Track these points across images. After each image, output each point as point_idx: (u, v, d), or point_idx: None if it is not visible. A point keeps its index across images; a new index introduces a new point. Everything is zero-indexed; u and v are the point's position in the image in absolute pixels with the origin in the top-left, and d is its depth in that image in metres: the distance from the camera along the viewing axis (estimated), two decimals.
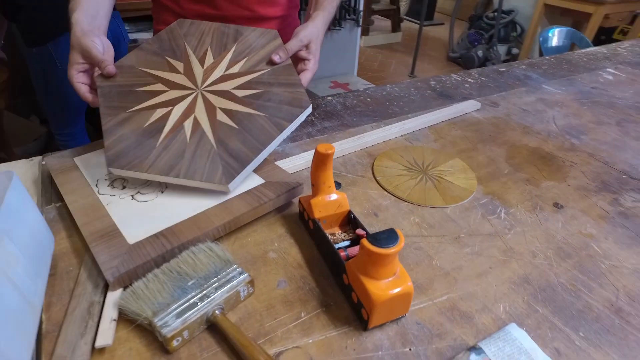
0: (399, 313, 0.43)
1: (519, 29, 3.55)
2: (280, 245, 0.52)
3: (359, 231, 0.49)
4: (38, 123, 2.17)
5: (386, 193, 0.62)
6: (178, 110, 0.60)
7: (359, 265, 0.41)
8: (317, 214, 0.50)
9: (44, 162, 0.68)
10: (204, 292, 0.42)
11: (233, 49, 0.66)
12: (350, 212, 0.52)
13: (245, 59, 0.65)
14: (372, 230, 0.54)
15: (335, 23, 2.25)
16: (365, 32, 3.96)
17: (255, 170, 0.59)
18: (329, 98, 0.93)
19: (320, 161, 0.48)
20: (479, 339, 0.41)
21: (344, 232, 0.52)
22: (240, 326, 0.41)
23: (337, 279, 0.47)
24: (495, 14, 3.36)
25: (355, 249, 0.47)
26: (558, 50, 1.77)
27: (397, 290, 0.39)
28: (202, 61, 0.65)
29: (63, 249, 0.51)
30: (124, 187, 0.57)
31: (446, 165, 0.68)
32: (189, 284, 0.43)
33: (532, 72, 1.18)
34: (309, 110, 0.61)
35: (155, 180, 0.57)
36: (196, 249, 0.46)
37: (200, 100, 0.60)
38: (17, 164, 0.69)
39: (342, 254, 0.46)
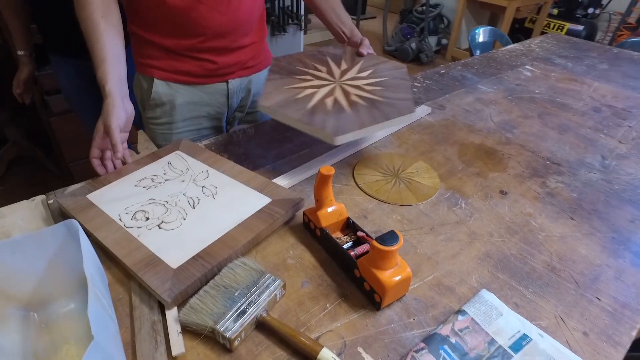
0: (402, 293, 0.55)
1: (445, 21, 3.85)
2: (295, 253, 0.63)
3: (360, 233, 0.61)
4: None
5: (369, 197, 0.74)
6: (321, 93, 0.81)
7: (370, 260, 0.53)
8: (324, 223, 0.61)
9: (50, 201, 0.73)
10: (250, 299, 0.52)
11: (362, 62, 0.94)
12: (348, 218, 0.64)
13: (371, 70, 0.91)
14: (366, 229, 0.67)
15: (280, 29, 2.34)
16: (304, 31, 4.07)
17: (261, 191, 0.69)
18: None
19: (323, 181, 0.60)
20: (462, 304, 0.55)
21: (346, 235, 0.64)
22: (282, 321, 0.52)
23: (348, 274, 0.59)
24: (424, 7, 3.62)
25: (361, 248, 0.59)
26: (484, 45, 2.00)
27: (400, 277, 0.52)
28: (338, 65, 0.93)
29: (110, 280, 0.58)
30: (147, 219, 0.65)
31: (413, 168, 0.82)
32: (236, 294, 0.52)
33: (467, 72, 1.36)
34: (415, 113, 0.82)
35: (303, 129, 0.74)
36: (233, 265, 0.56)
37: (338, 88, 0.83)
38: (20, 206, 0.73)
39: (352, 253, 0.58)
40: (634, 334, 0.54)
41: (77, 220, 0.63)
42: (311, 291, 0.57)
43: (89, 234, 0.62)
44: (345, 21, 1.07)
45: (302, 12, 2.41)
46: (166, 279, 0.54)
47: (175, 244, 0.60)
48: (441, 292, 0.57)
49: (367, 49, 1.02)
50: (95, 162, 0.74)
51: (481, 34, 1.96)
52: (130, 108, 0.75)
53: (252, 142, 0.91)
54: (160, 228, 0.63)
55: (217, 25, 0.86)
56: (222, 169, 0.76)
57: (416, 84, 1.24)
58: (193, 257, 0.57)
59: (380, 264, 0.52)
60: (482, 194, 0.77)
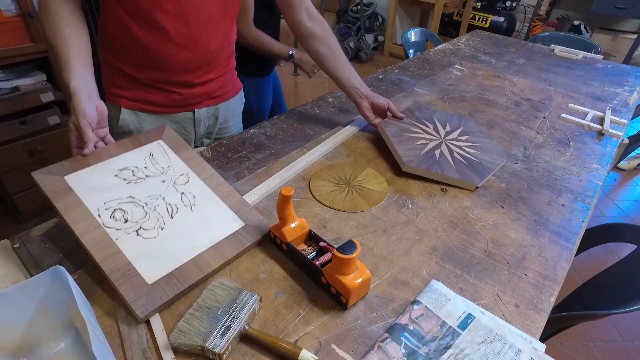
0: (364, 293, 0.63)
1: (380, 18, 4.01)
2: (266, 267, 0.69)
3: (322, 243, 0.68)
4: None
5: (326, 208, 0.81)
6: (430, 145, 0.96)
7: (334, 268, 0.60)
8: (289, 238, 0.68)
9: (16, 245, 0.73)
10: (232, 315, 0.57)
11: (461, 128, 1.05)
12: (310, 230, 0.70)
13: (469, 136, 1.02)
14: (326, 238, 0.74)
15: None
16: None
17: (237, 212, 0.74)
18: (252, 130, 1.09)
19: (285, 201, 0.66)
20: (416, 295, 0.64)
21: (310, 246, 0.70)
22: (263, 331, 0.58)
23: (315, 282, 0.66)
24: (359, 7, 3.75)
25: (324, 257, 0.66)
26: (417, 44, 2.14)
27: (361, 279, 0.60)
28: (443, 127, 1.04)
29: (96, 314, 0.61)
30: (126, 221, 0.67)
31: (362, 175, 0.90)
32: (219, 312, 0.57)
33: (404, 76, 1.47)
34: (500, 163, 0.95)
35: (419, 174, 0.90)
36: (212, 286, 0.61)
37: (444, 145, 0.96)
38: None
39: (317, 262, 0.65)
40: (552, 300, 0.65)
41: (57, 207, 0.65)
42: (285, 300, 0.63)
43: (65, 225, 0.64)
44: (360, 81, 1.05)
45: None
46: (141, 294, 0.58)
47: (151, 256, 0.64)
48: (398, 286, 0.66)
49: (400, 113, 1.05)
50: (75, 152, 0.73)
51: (413, 35, 2.10)
52: (101, 105, 0.73)
53: (210, 164, 0.95)
54: (138, 235, 0.66)
55: (184, 63, 0.90)
56: (202, 176, 0.78)
57: None
58: (167, 275, 0.62)
59: (343, 270, 0.59)
60: (425, 193, 0.87)
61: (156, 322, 0.59)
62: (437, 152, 0.94)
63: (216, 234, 0.70)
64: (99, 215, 0.66)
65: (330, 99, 1.28)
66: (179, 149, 0.81)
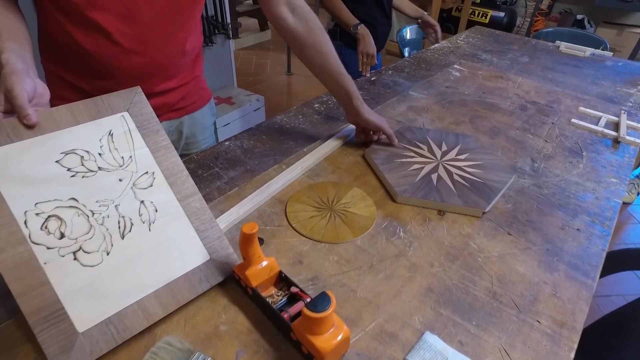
0: (343, 352, 0.52)
1: None
2: (228, 316, 0.57)
3: (293, 289, 0.57)
4: None
5: (304, 238, 0.70)
6: (426, 169, 0.85)
7: (304, 326, 0.49)
8: (254, 282, 0.56)
9: None
10: None
11: (459, 146, 0.93)
12: (280, 272, 0.59)
13: (468, 154, 0.91)
14: (302, 277, 0.63)
15: (206, 40, 2.24)
16: (235, 35, 3.95)
17: (203, 239, 0.61)
18: (227, 143, 0.97)
19: (247, 239, 0.54)
20: (406, 352, 0.53)
21: (280, 290, 0.59)
22: None
23: (285, 336, 0.54)
24: None
25: (295, 307, 0.54)
26: (413, 42, 2.02)
27: (338, 338, 0.48)
28: (439, 147, 0.93)
29: None
30: (62, 236, 0.51)
31: (347, 197, 0.79)
32: None
33: (398, 77, 1.35)
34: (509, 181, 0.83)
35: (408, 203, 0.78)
36: (156, 348, 0.50)
37: (441, 167, 0.85)
38: None
39: (285, 315, 0.53)
40: (572, 355, 0.54)
41: None
42: None
43: None
44: (352, 84, 0.89)
45: (228, 20, 2.32)
46: (67, 347, 0.46)
47: (88, 291, 0.50)
48: (384, 340, 0.54)
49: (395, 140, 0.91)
50: None
51: (409, 32, 1.98)
52: (41, 85, 0.58)
53: None
54: (75, 259, 0.51)
55: (134, 69, 0.78)
56: (171, 179, 0.61)
57: None
58: (104, 322, 0.50)
59: (314, 330, 0.48)
60: (420, 218, 0.75)
61: None
62: (434, 177, 0.83)
63: (174, 267, 0.57)
64: (25, 222, 0.49)
65: (316, 105, 1.16)
66: (147, 131, 0.62)
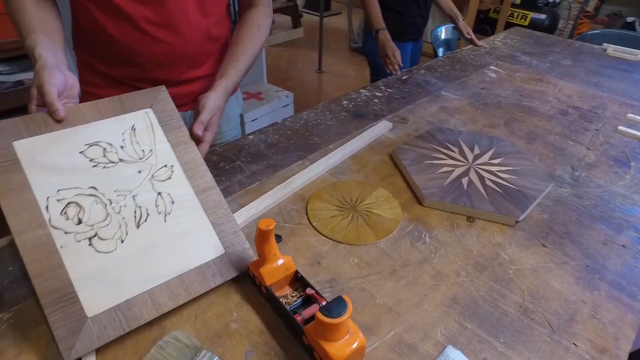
0: None
1: None
2: (239, 314, 0.55)
3: (309, 291, 0.54)
4: None
5: (324, 238, 0.67)
6: (456, 172, 0.80)
7: (317, 331, 0.46)
8: (268, 281, 0.54)
9: None
10: None
11: (493, 150, 0.88)
12: (297, 272, 0.56)
13: (502, 158, 0.85)
14: (318, 280, 0.60)
15: None
16: None
17: (219, 232, 0.60)
18: (251, 137, 0.95)
19: (263, 236, 0.52)
20: None
21: (295, 291, 0.56)
22: None
23: (297, 339, 0.52)
24: None
25: (309, 310, 0.52)
26: (448, 42, 1.95)
27: (353, 346, 0.45)
28: (471, 150, 0.88)
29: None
30: (79, 222, 0.52)
31: (372, 197, 0.75)
32: None
33: (431, 77, 1.30)
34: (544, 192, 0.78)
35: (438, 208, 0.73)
36: (163, 342, 0.48)
37: (473, 171, 0.81)
38: None
39: (298, 318, 0.51)
40: None
41: None
42: None
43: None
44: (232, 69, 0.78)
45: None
46: (75, 330, 0.47)
47: (100, 277, 0.51)
48: (402, 352, 0.51)
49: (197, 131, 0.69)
50: None
51: (444, 32, 1.92)
52: (71, 77, 0.61)
53: None
54: (90, 244, 0.52)
55: (159, 56, 0.78)
56: (189, 172, 0.62)
57: (377, 94, 1.18)
58: (114, 308, 0.50)
59: (328, 336, 0.45)
60: (447, 223, 0.71)
61: None
62: (464, 181, 0.78)
63: (187, 259, 0.56)
64: (47, 207, 0.51)
65: (344, 102, 1.13)
66: (169, 127, 0.64)
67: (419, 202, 0.75)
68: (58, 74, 0.57)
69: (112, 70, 0.79)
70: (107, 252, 0.52)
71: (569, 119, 1.07)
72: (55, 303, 0.47)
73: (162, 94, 0.66)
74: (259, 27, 0.83)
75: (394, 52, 1.51)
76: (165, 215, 0.58)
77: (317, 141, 0.94)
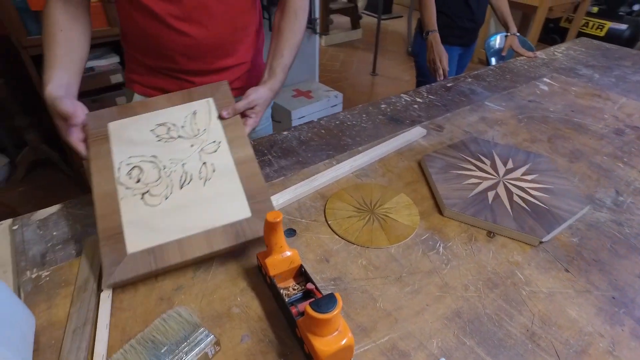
0: None
1: None
2: (243, 300, 0.58)
3: (309, 285, 0.55)
4: None
5: (337, 237, 0.68)
6: (483, 185, 0.78)
7: (307, 324, 0.47)
8: (272, 271, 0.56)
9: (15, 227, 0.71)
10: (177, 357, 0.47)
11: (528, 166, 0.84)
12: (301, 266, 0.58)
13: (537, 175, 0.81)
14: (323, 277, 0.61)
15: None
16: (325, 31, 4.01)
17: (250, 198, 0.66)
18: (285, 133, 0.98)
19: (271, 228, 0.54)
20: None
21: (298, 284, 0.58)
22: None
23: (292, 331, 0.53)
24: None
25: (305, 304, 0.53)
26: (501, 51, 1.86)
27: (340, 344, 0.46)
28: (504, 163, 0.84)
29: (44, 323, 0.55)
30: (138, 181, 0.65)
31: (392, 202, 0.75)
32: (163, 350, 0.48)
33: (477, 86, 1.26)
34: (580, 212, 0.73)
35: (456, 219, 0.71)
36: (167, 315, 0.52)
37: (501, 185, 0.78)
38: None
39: (294, 310, 0.52)
40: None
41: (89, 151, 0.67)
42: (250, 347, 0.52)
43: (88, 170, 0.66)
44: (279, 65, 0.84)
45: (316, 16, 2.35)
46: (116, 261, 0.57)
47: (143, 224, 0.61)
48: (393, 358, 0.51)
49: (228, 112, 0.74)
50: (81, 145, 0.69)
51: (498, 40, 1.83)
52: (78, 103, 0.70)
53: None
54: (142, 199, 0.64)
55: (186, 48, 0.83)
56: (234, 149, 0.71)
57: (418, 100, 1.16)
58: (148, 250, 0.59)
59: (316, 331, 0.46)
60: (465, 236, 0.69)
61: (100, 345, 0.52)
62: (490, 194, 0.75)
63: (216, 217, 0.64)
64: (118, 169, 0.66)
65: (382, 105, 1.13)
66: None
67: (440, 212, 0.74)
68: (66, 100, 0.67)
69: (150, 61, 0.86)
70: (153, 206, 0.64)
71: (623, 139, 0.99)
72: (108, 239, 0.59)
73: (223, 86, 0.78)
74: (297, 14, 0.86)
75: (441, 57, 1.49)
76: (205, 181, 0.67)
77: (348, 142, 0.95)
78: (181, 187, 0.66)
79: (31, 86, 1.70)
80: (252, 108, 0.76)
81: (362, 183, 0.80)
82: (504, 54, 1.64)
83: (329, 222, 0.70)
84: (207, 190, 0.66)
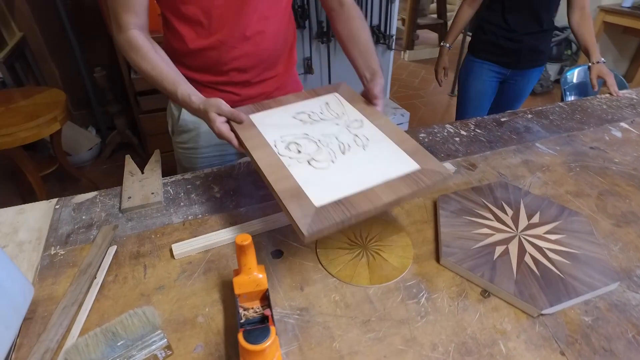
0: None
1: (574, 47, 3.34)
2: (210, 311, 0.61)
3: (267, 312, 0.56)
4: (94, 134, 2.44)
5: (320, 266, 0.68)
6: (495, 237, 0.72)
7: (241, 351, 0.48)
8: (237, 290, 0.58)
9: (57, 206, 0.82)
10: (128, 353, 0.51)
11: (557, 223, 0.75)
12: (267, 290, 0.59)
13: (564, 235, 0.72)
14: (292, 305, 0.61)
15: None
16: (409, 46, 3.93)
17: (412, 155, 0.70)
18: None
19: (240, 250, 0.56)
20: None
21: (262, 307, 0.59)
22: None
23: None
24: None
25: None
26: (581, 87, 1.67)
27: None
28: (529, 217, 0.76)
29: (45, 296, 0.63)
30: (299, 152, 0.71)
31: (389, 240, 0.72)
32: (118, 344, 0.52)
33: (535, 124, 1.16)
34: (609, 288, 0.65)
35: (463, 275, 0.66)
36: (134, 312, 0.56)
37: (516, 241, 0.71)
38: (39, 205, 0.83)
39: (242, 331, 0.53)
40: None
41: (240, 137, 0.73)
42: (200, 358, 0.54)
43: (246, 151, 0.72)
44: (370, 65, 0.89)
45: (393, 32, 2.33)
46: (307, 213, 0.58)
47: (320, 183, 0.64)
48: None
49: (379, 106, 0.84)
50: (232, 135, 0.76)
51: (576, 75, 1.63)
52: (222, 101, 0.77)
53: (248, 177, 0.90)
54: (309, 164, 0.68)
55: (236, 63, 0.90)
56: (376, 123, 0.78)
57: (462, 132, 1.10)
58: (335, 202, 0.61)
59: (247, 359, 0.47)
60: (456, 290, 0.64)
61: (76, 326, 0.58)
62: (498, 249, 0.69)
63: (389, 172, 0.66)
64: (275, 145, 0.72)
65: (422, 134, 1.09)
66: (354, 101, 0.84)
67: (438, 259, 0.69)
68: (215, 100, 0.74)
69: (193, 75, 0.92)
70: (322, 169, 0.68)
71: None
72: (290, 196, 0.61)
73: (344, 85, 0.89)
74: (361, 17, 0.93)
75: (445, 69, 1.74)
76: (364, 147, 0.73)
77: None
78: (343, 153, 0.71)
79: (121, 77, 1.92)
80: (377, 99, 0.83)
81: None
82: (595, 89, 1.43)
83: (317, 251, 0.70)
84: (370, 153, 0.71)
